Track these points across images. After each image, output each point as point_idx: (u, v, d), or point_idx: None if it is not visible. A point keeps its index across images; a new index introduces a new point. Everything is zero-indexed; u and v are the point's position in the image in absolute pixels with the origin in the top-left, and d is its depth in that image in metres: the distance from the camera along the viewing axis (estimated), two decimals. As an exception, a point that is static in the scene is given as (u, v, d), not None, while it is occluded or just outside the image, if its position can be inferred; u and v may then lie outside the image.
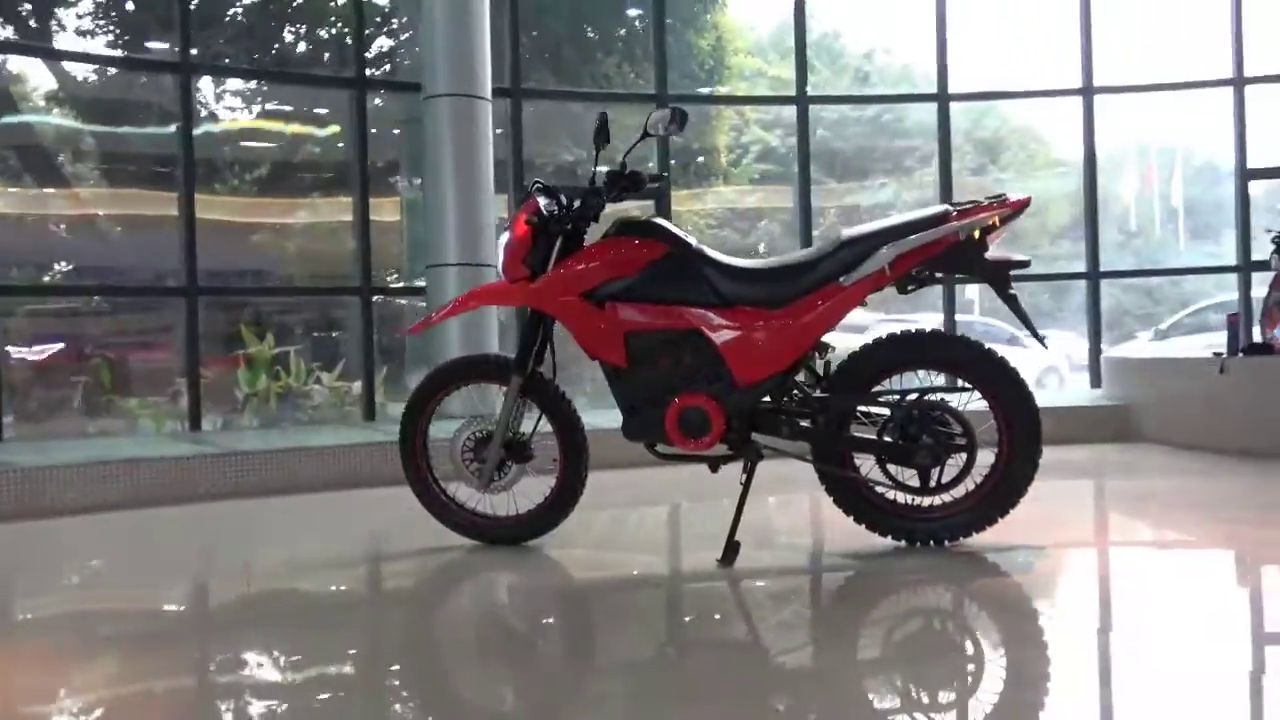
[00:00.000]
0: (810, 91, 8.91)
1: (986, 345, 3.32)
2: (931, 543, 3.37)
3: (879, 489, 3.39)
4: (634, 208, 3.56)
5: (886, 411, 3.32)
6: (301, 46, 9.11)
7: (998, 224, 3.15)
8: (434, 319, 3.88)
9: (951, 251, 3.17)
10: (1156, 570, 3.41)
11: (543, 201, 3.46)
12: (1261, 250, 8.52)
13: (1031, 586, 3.09)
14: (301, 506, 4.89)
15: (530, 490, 3.65)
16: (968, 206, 3.21)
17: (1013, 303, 3.21)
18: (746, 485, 3.33)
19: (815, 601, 3.11)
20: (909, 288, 3.27)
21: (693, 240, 3.40)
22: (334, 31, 8.90)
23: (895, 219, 3.27)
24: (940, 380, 3.34)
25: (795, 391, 3.37)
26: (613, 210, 3.51)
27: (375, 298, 8.17)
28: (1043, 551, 3.46)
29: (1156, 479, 5.01)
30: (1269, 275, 6.43)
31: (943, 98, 8.91)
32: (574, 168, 10.22)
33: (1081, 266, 8.80)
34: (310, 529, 4.45)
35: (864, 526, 3.42)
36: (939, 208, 3.26)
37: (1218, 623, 2.61)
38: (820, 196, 10.03)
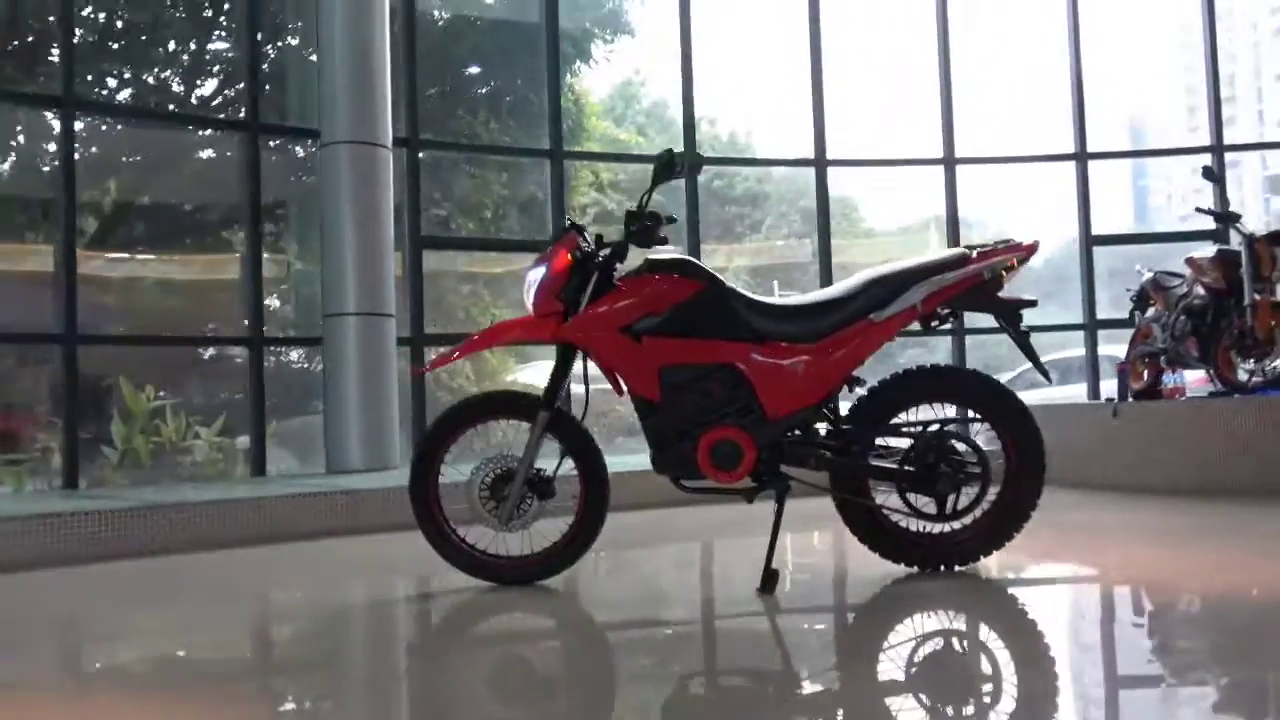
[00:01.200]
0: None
1: (994, 379, 3.56)
2: (943, 567, 3.54)
3: (894, 517, 3.55)
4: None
5: (905, 442, 3.49)
6: (183, 88, 8.75)
7: (1015, 266, 3.41)
8: (456, 355, 3.82)
9: (974, 290, 3.40)
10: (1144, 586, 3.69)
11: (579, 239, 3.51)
12: (1104, 310, 9.35)
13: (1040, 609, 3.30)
14: (228, 563, 4.65)
15: (539, 530, 3.62)
16: (986, 249, 3.45)
17: (1024, 339, 3.46)
18: (778, 515, 3.42)
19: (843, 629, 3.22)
20: (933, 324, 3.48)
21: (723, 278, 3.51)
22: (225, 73, 8.61)
23: (917, 260, 3.47)
24: (952, 412, 3.55)
25: (822, 424, 3.51)
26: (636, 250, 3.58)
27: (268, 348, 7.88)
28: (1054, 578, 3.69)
29: (1094, 512, 5.29)
30: (1112, 330, 7.06)
31: (820, 162, 9.39)
32: (446, 221, 10.20)
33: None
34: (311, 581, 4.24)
35: (879, 554, 3.57)
36: (957, 250, 3.48)
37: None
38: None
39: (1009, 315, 3.46)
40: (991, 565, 3.64)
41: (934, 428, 3.47)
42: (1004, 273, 3.41)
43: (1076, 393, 9.73)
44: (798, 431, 3.48)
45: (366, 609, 3.80)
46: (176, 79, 8.63)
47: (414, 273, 8.27)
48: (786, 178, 15.48)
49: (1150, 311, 7.02)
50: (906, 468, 3.47)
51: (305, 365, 9.03)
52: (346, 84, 7.62)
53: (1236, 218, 6.41)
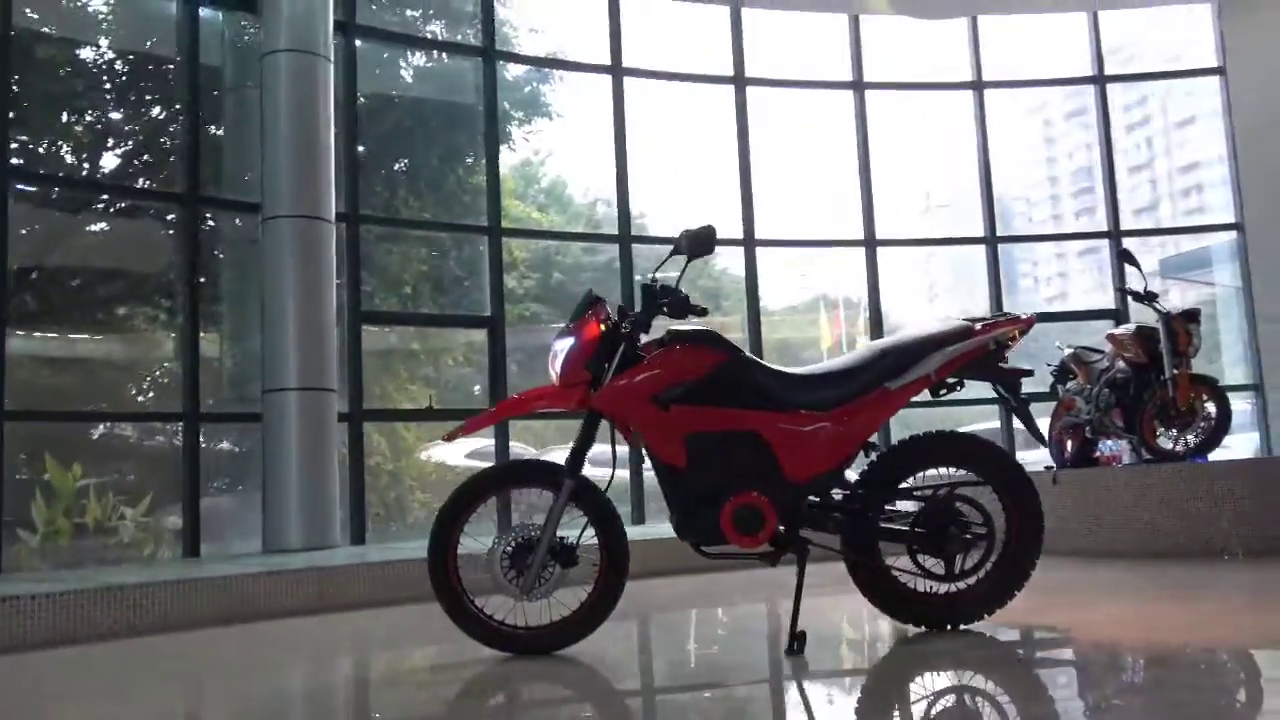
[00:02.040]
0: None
1: (994, 443, 3.75)
2: (949, 626, 3.68)
3: (902, 578, 3.68)
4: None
5: (913, 506, 3.64)
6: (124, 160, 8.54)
7: (1017, 338, 3.64)
8: (484, 421, 3.81)
9: (980, 361, 3.61)
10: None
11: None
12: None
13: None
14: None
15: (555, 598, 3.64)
16: (990, 321, 3.67)
17: (1023, 406, 3.68)
18: (800, 578, 3.52)
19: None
20: (941, 392, 3.66)
21: (743, 350, 3.64)
22: (164, 145, 8.45)
23: (925, 331, 3.66)
24: (955, 474, 3.72)
25: (838, 489, 3.64)
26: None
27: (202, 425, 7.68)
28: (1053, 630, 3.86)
29: (1055, 572, 5.49)
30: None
31: (624, 239, 9.62)
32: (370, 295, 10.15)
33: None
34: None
35: (887, 614, 3.69)
36: (961, 323, 3.69)
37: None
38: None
39: (1010, 385, 3.67)
40: (996, 622, 3.79)
41: (943, 492, 3.63)
42: (1007, 344, 3.62)
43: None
44: (816, 496, 3.61)
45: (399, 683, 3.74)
46: (108, 151, 8.44)
47: (353, 347, 8.20)
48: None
49: (1071, 384, 7.41)
50: (917, 530, 3.62)
51: (225, 444, 8.79)
52: (291, 158, 7.61)
53: (1155, 297, 6.86)
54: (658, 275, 3.71)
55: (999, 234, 10.07)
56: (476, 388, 10.44)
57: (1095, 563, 5.85)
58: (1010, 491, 3.69)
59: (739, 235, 9.80)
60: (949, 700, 2.98)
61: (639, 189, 9.71)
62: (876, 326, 9.89)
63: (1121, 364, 6.90)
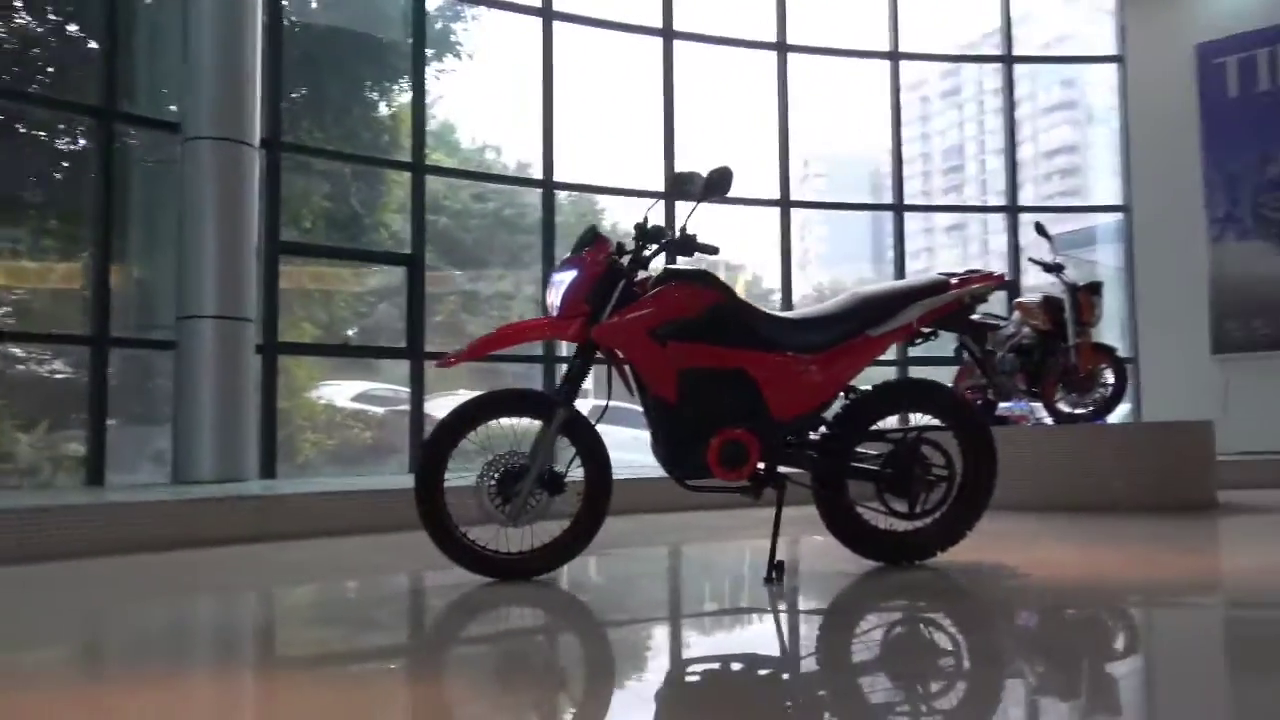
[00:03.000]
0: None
1: (956, 390, 3.98)
2: (907, 561, 3.91)
3: (865, 516, 3.89)
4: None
5: (881, 448, 3.84)
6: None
7: (988, 295, 3.86)
8: (485, 347, 3.79)
9: (955, 313, 3.81)
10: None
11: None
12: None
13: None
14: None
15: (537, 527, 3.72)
16: (965, 276, 3.87)
17: (988, 356, 3.90)
18: (778, 512, 3.69)
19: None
20: (917, 341, 3.86)
21: (736, 291, 3.76)
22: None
23: (904, 283, 3.85)
24: (920, 420, 3.94)
25: (815, 430, 3.81)
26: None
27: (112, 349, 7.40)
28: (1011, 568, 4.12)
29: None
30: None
31: (548, 185, 9.69)
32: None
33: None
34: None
35: (850, 549, 3.89)
36: (937, 276, 3.89)
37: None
38: (437, 283, 10.49)
39: (978, 338, 3.90)
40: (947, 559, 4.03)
41: (911, 435, 3.84)
42: (981, 299, 3.84)
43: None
44: (796, 435, 3.77)
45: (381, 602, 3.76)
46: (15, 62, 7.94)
47: (270, 278, 8.01)
48: (574, 209, 15.78)
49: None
50: (886, 470, 3.82)
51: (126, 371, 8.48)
52: (214, 77, 7.35)
53: (1061, 268, 7.27)
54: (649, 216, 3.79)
55: (905, 202, 10.42)
56: (354, 330, 10.35)
57: (1006, 514, 6.21)
58: (968, 436, 3.92)
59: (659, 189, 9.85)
60: (907, 626, 3.19)
61: (531, 134, 9.65)
62: (786, 292, 10.14)
63: (1027, 330, 7.29)
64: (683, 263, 3.80)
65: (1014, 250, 10.39)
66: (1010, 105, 10.72)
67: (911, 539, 3.92)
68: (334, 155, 9.23)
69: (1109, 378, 7.02)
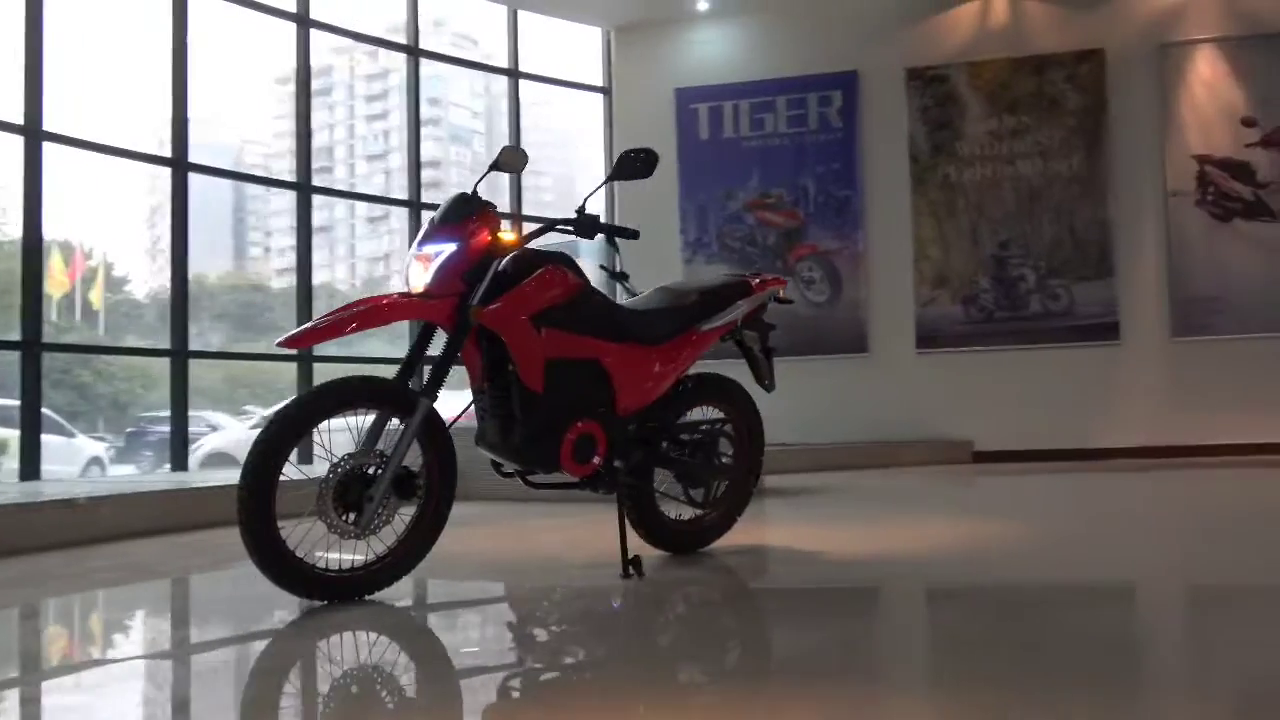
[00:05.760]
0: None
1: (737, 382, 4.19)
2: (689, 550, 4.07)
3: (661, 506, 3.97)
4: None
5: (680, 439, 3.96)
6: None
7: (783, 295, 4.15)
8: (331, 332, 3.09)
9: (758, 311, 4.06)
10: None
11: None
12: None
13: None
14: None
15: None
16: (765, 278, 4.11)
17: (768, 354, 4.18)
18: (622, 506, 3.62)
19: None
20: (725, 338, 4.02)
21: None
22: None
23: (710, 280, 4.00)
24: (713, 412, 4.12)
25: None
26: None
27: None
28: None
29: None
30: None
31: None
32: None
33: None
34: None
35: (645, 539, 3.92)
36: (739, 275, 4.09)
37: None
38: None
39: (765, 333, 4.17)
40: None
41: (717, 426, 4.02)
42: (775, 299, 4.13)
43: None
44: (631, 427, 3.73)
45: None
46: None
47: None
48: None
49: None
50: (688, 460, 3.95)
51: None
52: None
53: (626, 277, 7.83)
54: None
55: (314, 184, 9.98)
56: None
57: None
58: (749, 427, 4.20)
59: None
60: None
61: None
62: (304, 272, 9.43)
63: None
64: (540, 244, 3.55)
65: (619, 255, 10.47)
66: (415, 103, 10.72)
67: (696, 527, 4.09)
68: None
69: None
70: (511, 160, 3.53)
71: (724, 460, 4.07)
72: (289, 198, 10.55)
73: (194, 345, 8.89)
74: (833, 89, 10.78)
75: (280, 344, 3.11)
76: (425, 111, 11.86)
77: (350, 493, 3.14)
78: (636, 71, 11.27)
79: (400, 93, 11.79)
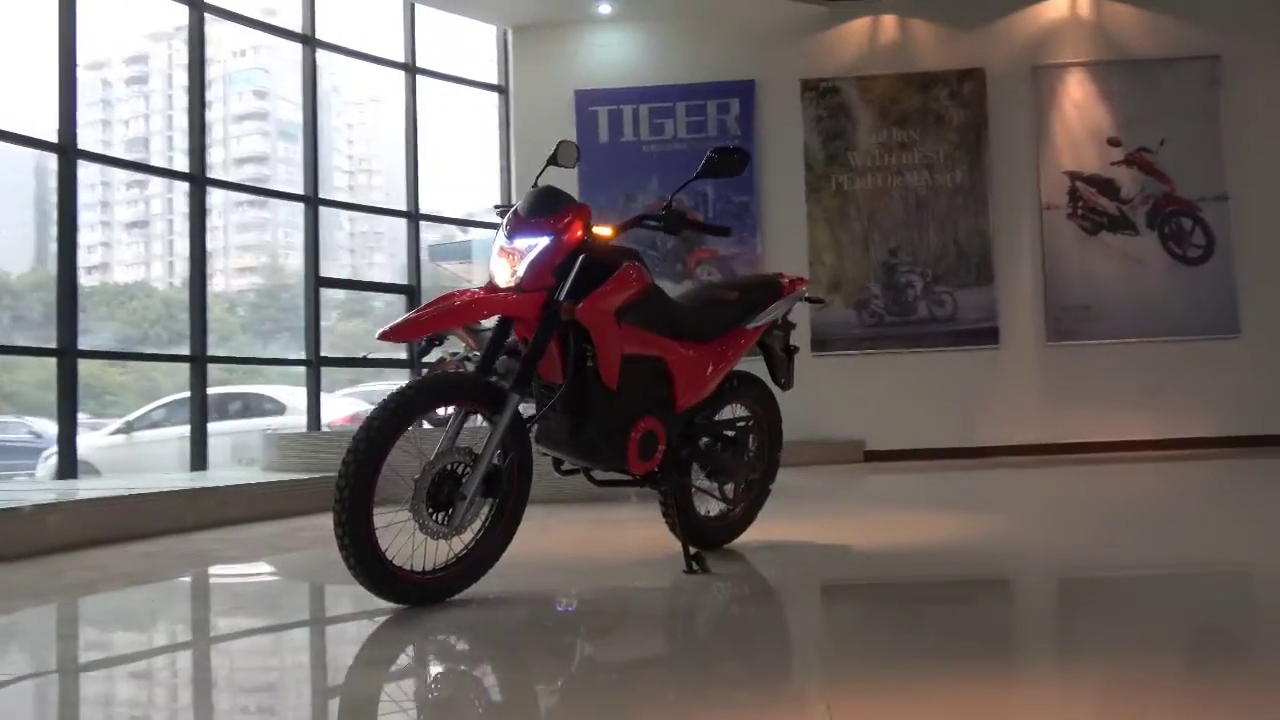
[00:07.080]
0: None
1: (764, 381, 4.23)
2: (715, 546, 4.08)
3: (695, 503, 3.99)
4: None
5: (725, 435, 3.98)
6: None
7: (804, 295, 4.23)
8: (426, 320, 2.93)
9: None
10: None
11: None
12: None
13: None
14: None
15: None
16: (791, 277, 4.16)
17: (789, 353, 4.24)
18: (681, 502, 3.62)
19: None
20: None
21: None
22: None
23: (744, 278, 4.04)
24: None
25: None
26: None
27: None
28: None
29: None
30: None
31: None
32: None
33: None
34: None
35: (677, 535, 3.90)
36: (770, 274, 4.13)
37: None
38: None
39: (787, 335, 4.24)
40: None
41: (750, 424, 4.06)
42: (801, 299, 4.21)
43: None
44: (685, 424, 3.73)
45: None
46: None
47: None
48: None
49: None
50: (725, 455, 3.98)
51: None
52: None
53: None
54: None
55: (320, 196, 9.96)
56: None
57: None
58: (770, 426, 4.25)
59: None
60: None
61: None
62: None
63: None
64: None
65: (315, 242, 9.90)
66: (312, 95, 10.37)
67: (723, 522, 4.12)
68: None
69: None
70: (566, 155, 3.53)
71: (751, 457, 4.12)
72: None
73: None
74: (731, 96, 11.01)
75: (381, 336, 2.98)
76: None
77: (442, 492, 3.03)
78: (535, 71, 11.20)
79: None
